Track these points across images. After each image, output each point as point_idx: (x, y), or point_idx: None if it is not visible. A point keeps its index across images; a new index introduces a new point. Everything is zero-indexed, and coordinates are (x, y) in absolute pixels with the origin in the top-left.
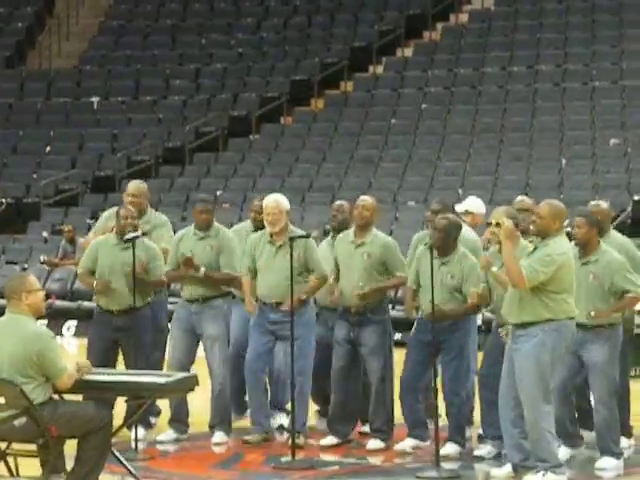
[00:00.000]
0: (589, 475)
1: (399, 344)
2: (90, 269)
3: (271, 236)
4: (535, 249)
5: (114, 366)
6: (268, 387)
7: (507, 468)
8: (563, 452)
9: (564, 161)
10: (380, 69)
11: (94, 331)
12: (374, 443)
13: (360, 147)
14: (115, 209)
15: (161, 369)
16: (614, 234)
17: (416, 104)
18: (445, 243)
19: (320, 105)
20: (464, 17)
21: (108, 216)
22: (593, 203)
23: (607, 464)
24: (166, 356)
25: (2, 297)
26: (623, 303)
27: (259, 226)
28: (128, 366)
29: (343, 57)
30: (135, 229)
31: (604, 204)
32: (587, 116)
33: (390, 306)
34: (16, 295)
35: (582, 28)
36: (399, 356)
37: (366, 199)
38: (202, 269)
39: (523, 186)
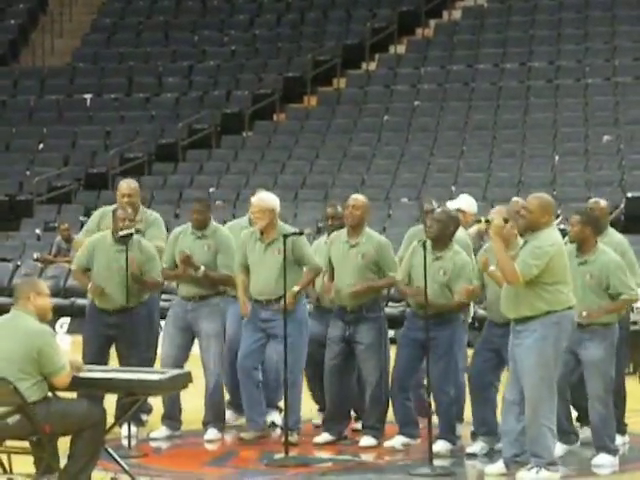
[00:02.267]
0: (585, 472)
1: (394, 342)
2: (85, 267)
3: (261, 234)
4: (525, 243)
5: (107, 363)
6: (260, 385)
7: (500, 464)
8: (558, 448)
9: (557, 158)
10: (373, 66)
11: (89, 327)
12: (367, 440)
13: (353, 144)
14: (108, 208)
15: (152, 366)
16: (612, 232)
17: (409, 101)
18: (441, 235)
19: (313, 102)
20: (457, 14)
21: (100, 215)
22: (592, 201)
23: (603, 461)
24: (159, 353)
25: None
26: (615, 305)
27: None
28: (121, 363)
29: (336, 54)
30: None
31: (602, 202)
32: (580, 113)
33: (384, 303)
34: (24, 295)
35: (575, 25)
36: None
37: (357, 198)
38: (202, 268)
39: (516, 183)
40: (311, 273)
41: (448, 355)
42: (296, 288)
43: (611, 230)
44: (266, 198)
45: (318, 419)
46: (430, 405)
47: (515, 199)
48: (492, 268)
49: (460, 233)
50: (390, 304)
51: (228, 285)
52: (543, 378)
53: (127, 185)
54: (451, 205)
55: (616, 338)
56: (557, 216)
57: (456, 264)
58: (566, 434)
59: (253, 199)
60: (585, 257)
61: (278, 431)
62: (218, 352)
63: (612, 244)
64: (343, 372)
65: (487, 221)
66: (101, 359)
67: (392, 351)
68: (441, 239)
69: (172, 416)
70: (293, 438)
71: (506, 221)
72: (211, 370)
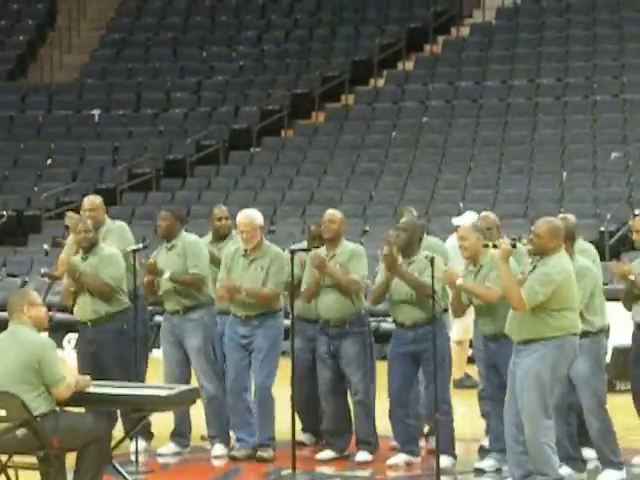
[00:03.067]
0: None
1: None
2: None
3: (245, 250)
4: (534, 268)
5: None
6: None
7: None
8: (564, 471)
9: (565, 174)
10: (381, 82)
11: (78, 346)
12: (362, 455)
13: (361, 160)
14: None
15: (143, 380)
16: (581, 242)
17: (417, 117)
18: (410, 244)
19: (321, 118)
20: (465, 30)
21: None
22: (561, 216)
23: (609, 477)
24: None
25: (3, 310)
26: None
27: (221, 236)
28: (106, 378)
29: (344, 70)
30: (91, 241)
31: (570, 216)
32: (588, 129)
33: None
34: (18, 307)
35: (583, 42)
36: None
37: (332, 212)
38: (167, 273)
39: (524, 199)
40: (269, 292)
41: (442, 365)
42: (243, 294)
43: (581, 242)
44: (254, 215)
45: (302, 437)
46: (437, 420)
47: (485, 213)
48: (460, 281)
49: (449, 242)
50: (388, 319)
51: (197, 285)
52: (539, 399)
53: (89, 201)
54: (456, 221)
55: (602, 350)
56: None
57: (422, 264)
58: (572, 460)
59: (239, 217)
60: None
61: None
62: (206, 366)
63: (580, 252)
64: (337, 388)
65: (495, 245)
66: (95, 374)
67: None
68: (410, 247)
69: (182, 433)
70: (267, 454)
71: (514, 245)
72: (202, 385)
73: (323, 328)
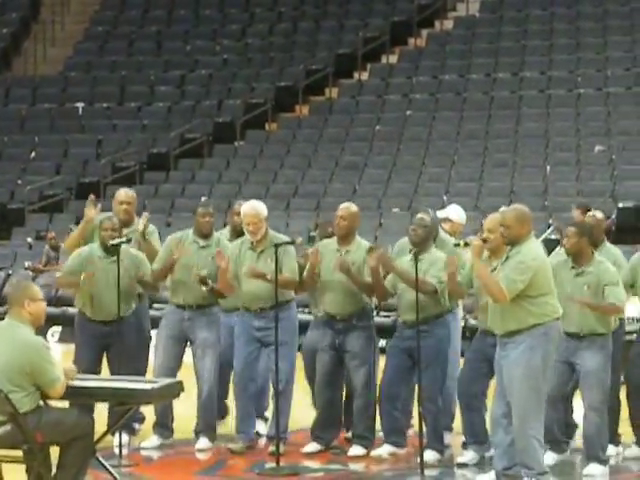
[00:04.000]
0: None
1: (384, 351)
2: (73, 272)
3: (252, 243)
4: (507, 258)
5: (100, 372)
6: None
7: (491, 475)
8: (549, 457)
9: (549, 168)
10: (365, 75)
11: (82, 339)
12: (355, 449)
13: (345, 153)
14: (105, 215)
15: (144, 375)
16: (608, 246)
17: (401, 110)
18: (426, 239)
19: (305, 111)
20: (449, 24)
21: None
22: (590, 214)
23: (594, 471)
24: (151, 362)
25: None
26: (604, 307)
27: (240, 231)
28: (113, 372)
29: (328, 64)
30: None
31: (599, 214)
32: (572, 123)
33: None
34: (19, 301)
35: (567, 35)
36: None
37: (345, 208)
38: (209, 283)
39: (508, 193)
40: (288, 279)
41: (436, 364)
42: (268, 276)
43: (608, 245)
44: (259, 207)
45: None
46: (421, 414)
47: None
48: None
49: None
50: (382, 313)
51: (232, 295)
52: (531, 389)
53: (125, 193)
54: (440, 214)
55: (611, 348)
56: (548, 226)
57: (433, 259)
58: (557, 443)
59: (245, 209)
60: (582, 268)
61: (263, 440)
62: (213, 362)
63: (609, 257)
64: (333, 381)
65: (466, 244)
66: (95, 369)
67: (382, 361)
68: (425, 242)
69: (163, 424)
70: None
71: (484, 241)
72: (205, 379)
73: (328, 322)
